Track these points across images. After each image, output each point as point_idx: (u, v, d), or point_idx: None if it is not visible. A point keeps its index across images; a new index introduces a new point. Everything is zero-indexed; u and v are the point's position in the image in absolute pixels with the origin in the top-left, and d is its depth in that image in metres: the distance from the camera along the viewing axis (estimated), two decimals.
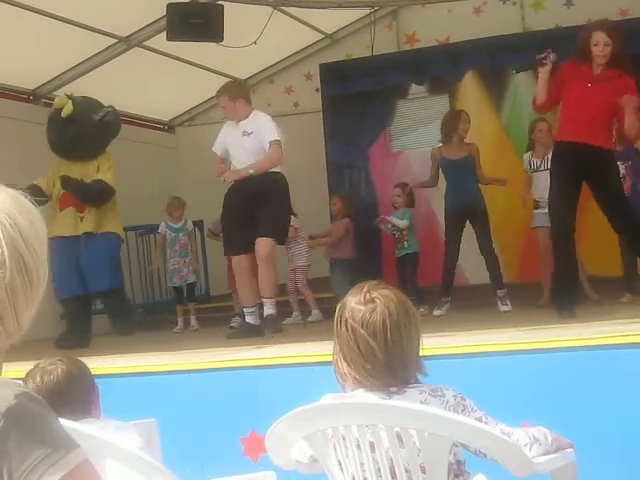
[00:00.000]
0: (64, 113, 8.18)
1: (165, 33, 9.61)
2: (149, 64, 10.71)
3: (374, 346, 2.54)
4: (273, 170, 7.57)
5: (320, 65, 11.76)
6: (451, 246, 8.65)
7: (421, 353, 2.65)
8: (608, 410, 4.53)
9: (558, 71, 6.81)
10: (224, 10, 9.53)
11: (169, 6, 9.36)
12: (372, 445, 2.54)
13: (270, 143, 7.50)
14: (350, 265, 9.73)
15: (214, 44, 9.76)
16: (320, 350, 5.22)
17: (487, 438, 2.52)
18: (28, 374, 3.19)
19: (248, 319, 7.71)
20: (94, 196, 8.16)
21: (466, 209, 8.60)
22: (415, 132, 11.52)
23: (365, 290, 2.60)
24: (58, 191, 8.22)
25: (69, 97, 8.29)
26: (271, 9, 10.21)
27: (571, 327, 5.62)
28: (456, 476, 2.58)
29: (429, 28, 11.48)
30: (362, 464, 2.56)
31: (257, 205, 7.49)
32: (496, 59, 10.85)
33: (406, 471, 2.52)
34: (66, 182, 8.11)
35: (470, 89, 11.08)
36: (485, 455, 2.55)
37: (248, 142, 7.58)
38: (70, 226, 8.14)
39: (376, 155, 11.52)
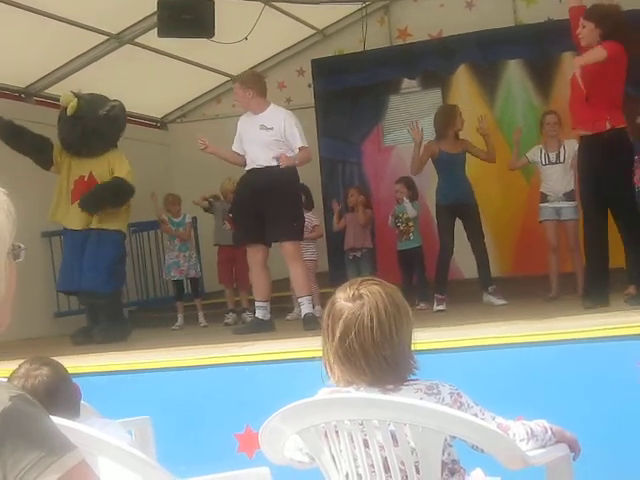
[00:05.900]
0: (69, 110, 8.16)
1: (156, 30, 9.60)
2: (141, 61, 10.69)
3: (364, 342, 2.54)
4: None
5: (312, 60, 11.75)
6: (445, 241, 8.63)
7: (413, 348, 2.64)
8: (603, 403, 4.54)
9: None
10: (215, 6, 9.52)
11: (160, 3, 9.35)
12: (365, 441, 2.54)
13: (300, 149, 7.50)
14: (372, 254, 9.86)
15: (205, 40, 9.75)
16: (315, 345, 5.22)
17: (479, 431, 2.52)
18: (10, 379, 3.16)
19: (258, 314, 7.55)
20: (111, 200, 8.13)
21: (458, 205, 8.57)
22: (408, 127, 11.50)
23: (354, 287, 2.62)
24: (68, 184, 8.23)
25: (75, 94, 8.26)
26: (262, 5, 10.20)
27: (567, 319, 5.61)
28: (452, 474, 2.57)
29: (421, 22, 11.48)
30: (355, 459, 2.56)
31: (271, 198, 7.31)
32: (488, 53, 10.88)
33: (400, 469, 2.53)
34: (84, 203, 8.07)
35: (463, 83, 11.08)
36: (482, 450, 2.55)
37: (266, 136, 7.43)
38: (81, 221, 8.15)
39: (369, 150, 11.51)
